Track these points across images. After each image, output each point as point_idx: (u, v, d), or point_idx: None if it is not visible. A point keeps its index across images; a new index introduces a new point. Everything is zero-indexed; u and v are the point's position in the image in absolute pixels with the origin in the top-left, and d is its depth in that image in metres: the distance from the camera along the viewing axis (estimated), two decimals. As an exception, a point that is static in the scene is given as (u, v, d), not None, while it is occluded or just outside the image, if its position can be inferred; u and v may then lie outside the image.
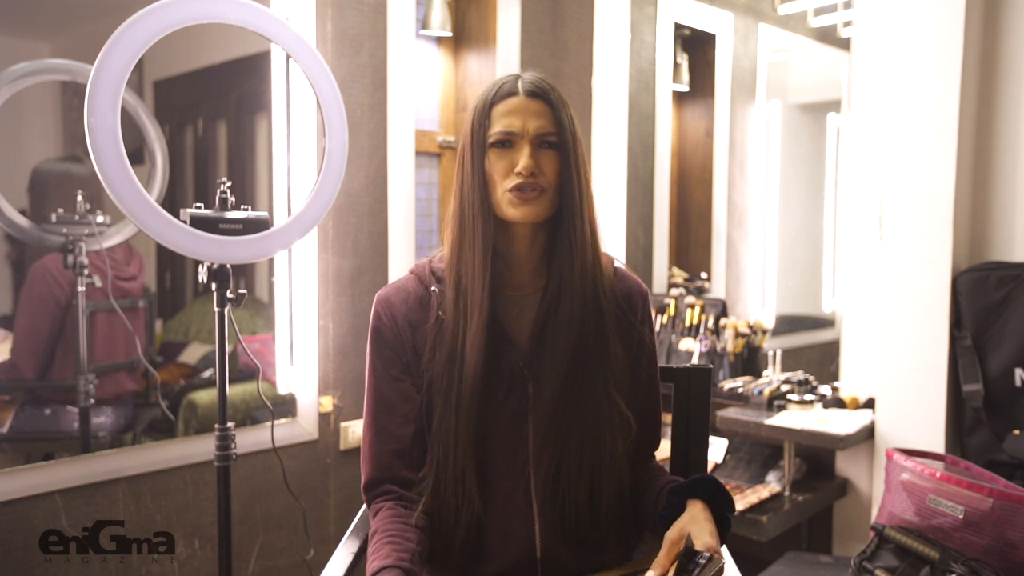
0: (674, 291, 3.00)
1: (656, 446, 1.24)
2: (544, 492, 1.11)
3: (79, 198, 1.80)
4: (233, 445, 1.55)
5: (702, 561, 0.94)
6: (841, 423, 2.32)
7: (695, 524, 0.99)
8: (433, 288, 1.14)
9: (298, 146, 2.11)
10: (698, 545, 0.96)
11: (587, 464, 1.10)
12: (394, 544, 1.02)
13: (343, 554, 1.17)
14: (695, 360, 2.77)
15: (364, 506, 1.29)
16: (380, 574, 0.97)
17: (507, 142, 1.08)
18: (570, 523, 1.10)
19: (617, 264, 1.20)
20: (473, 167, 1.09)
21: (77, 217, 1.80)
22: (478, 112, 1.10)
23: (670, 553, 0.97)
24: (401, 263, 2.30)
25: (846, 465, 2.51)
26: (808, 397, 2.48)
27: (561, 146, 1.08)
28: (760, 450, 2.59)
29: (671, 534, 1.00)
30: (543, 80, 1.10)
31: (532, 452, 1.11)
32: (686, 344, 2.82)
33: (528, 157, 1.06)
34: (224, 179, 1.53)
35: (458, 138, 2.63)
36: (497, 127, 1.07)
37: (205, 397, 2.01)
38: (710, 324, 2.83)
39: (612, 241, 3.00)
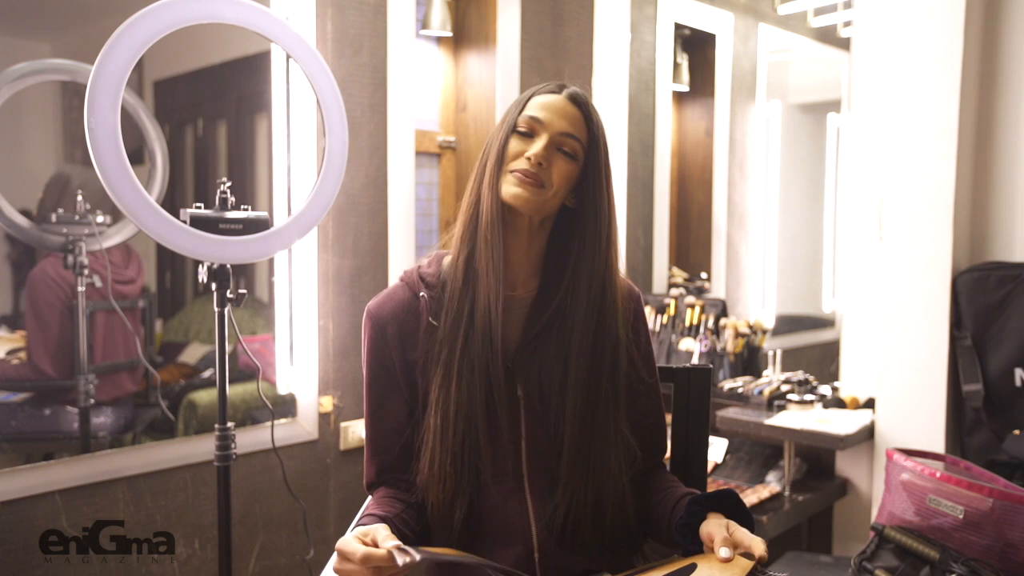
0: (674, 291, 3.00)
1: (663, 452, 1.24)
2: (539, 498, 1.11)
3: (79, 198, 1.81)
4: (233, 445, 1.55)
5: None
6: (841, 423, 2.32)
7: (738, 528, 0.98)
8: (421, 294, 1.14)
9: (298, 146, 2.11)
10: (757, 551, 0.92)
11: (591, 486, 1.09)
12: (375, 516, 1.07)
13: (343, 554, 1.17)
14: (695, 360, 2.77)
15: (364, 506, 1.29)
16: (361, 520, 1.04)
17: (531, 132, 1.08)
18: (573, 536, 1.10)
19: None
20: (497, 148, 1.10)
21: (77, 217, 1.81)
22: (516, 102, 1.12)
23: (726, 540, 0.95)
24: (401, 263, 2.30)
25: (846, 465, 2.51)
26: (808, 397, 2.48)
27: (582, 162, 1.09)
28: (760, 450, 2.59)
29: (717, 529, 0.97)
30: (588, 97, 1.12)
31: (525, 456, 1.11)
32: (686, 344, 2.82)
33: (543, 147, 1.06)
34: (224, 179, 1.53)
35: (459, 139, 2.57)
36: (527, 113, 1.09)
37: (205, 397, 2.01)
38: (710, 324, 2.83)
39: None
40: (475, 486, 1.10)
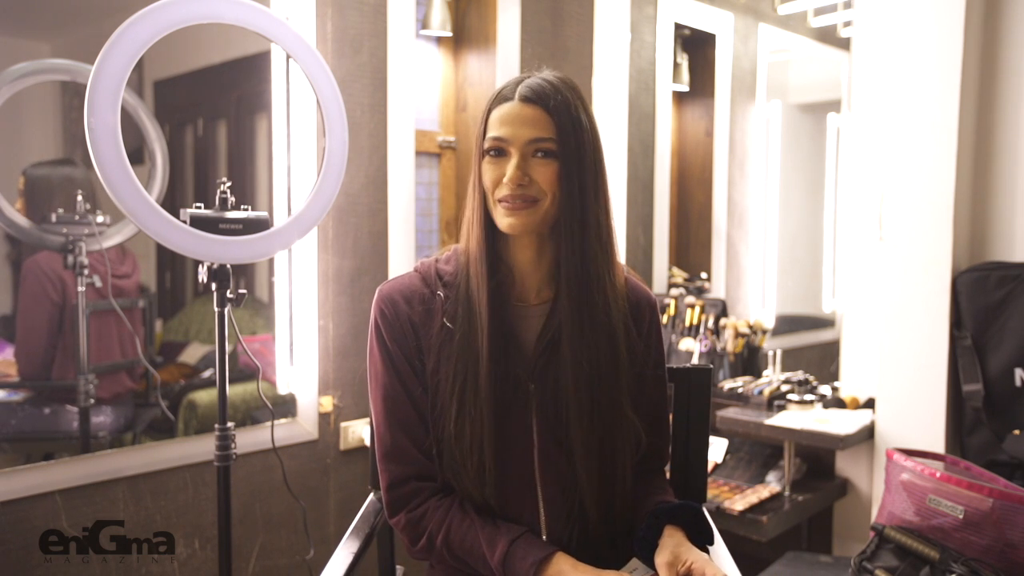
0: (674, 291, 3.00)
1: (664, 460, 1.22)
2: (551, 502, 1.10)
3: (79, 198, 1.80)
4: (233, 445, 1.55)
5: None
6: (841, 423, 2.32)
7: (690, 552, 0.99)
8: (439, 292, 1.11)
9: (298, 146, 2.11)
10: (709, 574, 0.94)
11: (602, 481, 1.09)
12: (497, 525, 1.05)
13: (343, 554, 1.17)
14: (695, 360, 2.77)
15: (364, 506, 1.29)
16: (519, 539, 1.03)
17: (500, 150, 1.05)
18: (583, 536, 1.10)
19: (626, 273, 1.18)
20: (475, 178, 1.08)
21: (77, 217, 1.80)
22: (481, 116, 1.08)
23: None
24: (401, 263, 2.30)
25: (846, 465, 2.51)
26: (808, 397, 2.48)
27: (560, 155, 1.04)
28: (760, 450, 2.59)
29: (664, 558, 0.99)
30: (547, 83, 1.05)
31: (538, 463, 1.10)
32: (686, 344, 2.82)
33: (515, 168, 1.03)
34: (224, 179, 1.53)
35: (459, 139, 2.57)
36: (490, 134, 1.05)
37: (205, 397, 2.01)
38: (710, 324, 2.83)
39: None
40: (493, 502, 1.09)
